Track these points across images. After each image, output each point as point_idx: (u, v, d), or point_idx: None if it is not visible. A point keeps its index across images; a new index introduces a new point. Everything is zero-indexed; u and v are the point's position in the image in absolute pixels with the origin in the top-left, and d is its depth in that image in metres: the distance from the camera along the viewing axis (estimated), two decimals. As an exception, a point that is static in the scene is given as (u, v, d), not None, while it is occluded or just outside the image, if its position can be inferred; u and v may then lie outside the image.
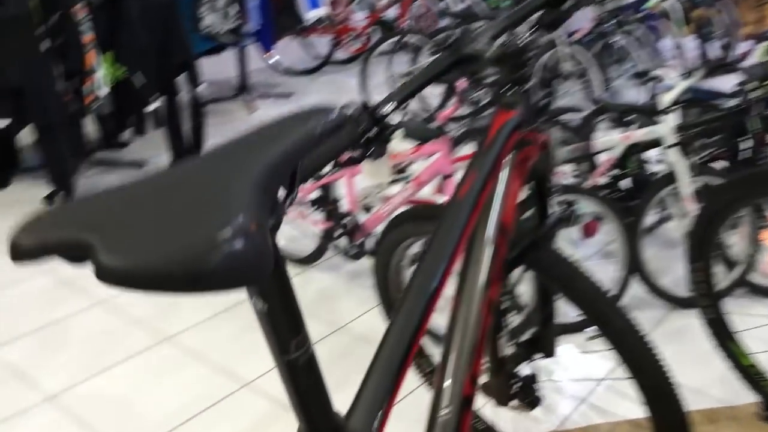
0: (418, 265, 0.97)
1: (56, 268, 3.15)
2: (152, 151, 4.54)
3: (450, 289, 1.10)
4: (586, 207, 2.53)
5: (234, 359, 2.38)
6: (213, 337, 2.57)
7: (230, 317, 2.69)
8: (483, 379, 1.55)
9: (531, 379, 1.51)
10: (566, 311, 1.79)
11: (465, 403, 1.05)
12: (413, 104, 4.94)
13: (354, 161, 2.46)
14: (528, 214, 1.34)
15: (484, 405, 1.83)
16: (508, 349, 1.49)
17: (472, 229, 1.01)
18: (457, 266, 1.08)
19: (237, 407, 2.16)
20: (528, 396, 1.51)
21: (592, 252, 2.91)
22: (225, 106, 5.81)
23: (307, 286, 2.92)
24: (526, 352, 1.55)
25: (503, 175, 1.07)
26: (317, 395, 0.67)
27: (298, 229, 3.04)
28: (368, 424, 0.76)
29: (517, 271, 1.35)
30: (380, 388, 0.81)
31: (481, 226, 1.08)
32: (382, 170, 2.51)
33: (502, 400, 1.53)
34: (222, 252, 0.45)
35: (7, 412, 2.21)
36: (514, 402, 1.54)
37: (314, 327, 2.59)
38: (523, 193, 1.23)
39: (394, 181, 2.69)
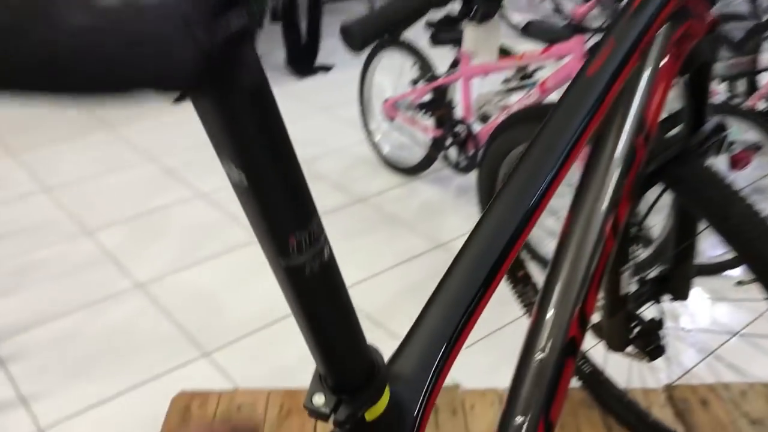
0: (520, 159, 0.74)
1: (161, 156, 3.11)
2: (267, 45, 4.41)
3: (562, 199, 0.85)
4: (741, 133, 2.15)
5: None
6: (307, 241, 2.43)
7: (334, 221, 2.55)
8: (595, 318, 1.31)
9: (655, 324, 1.25)
10: (708, 247, 1.49)
11: (569, 345, 0.82)
12: (545, 2, 4.51)
13: (453, 21, 2.13)
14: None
15: (592, 347, 1.59)
16: (630, 286, 1.23)
17: (601, 121, 0.76)
18: (576, 169, 0.83)
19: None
20: (649, 343, 1.25)
21: (742, 187, 2.51)
22: (342, 6, 5.57)
23: (411, 198, 2.72)
24: (653, 291, 1.29)
25: (653, 52, 0.80)
26: (340, 321, 0.45)
27: (405, 136, 2.82)
28: (423, 367, 0.56)
29: (653, 191, 1.07)
30: (445, 322, 0.60)
31: (615, 118, 0.82)
32: (490, 42, 2.18)
33: (617, 345, 1.28)
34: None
35: (99, 295, 2.19)
36: (631, 348, 1.29)
37: (413, 241, 2.40)
38: (675, 86, 0.94)
39: (517, 88, 2.40)
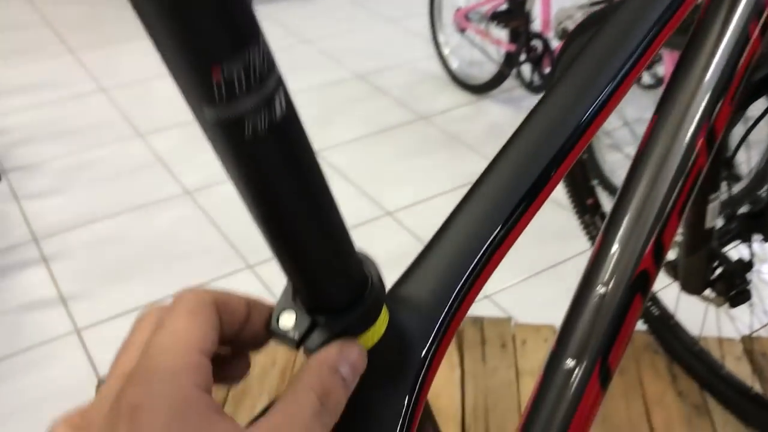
0: (588, 42, 0.57)
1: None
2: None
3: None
4: None
5: (380, 185, 2.11)
6: (362, 158, 2.30)
7: (393, 138, 2.40)
8: (670, 254, 1.15)
9: (742, 266, 1.08)
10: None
11: (640, 279, 0.67)
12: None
13: None
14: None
15: (664, 287, 1.42)
16: (717, 221, 1.06)
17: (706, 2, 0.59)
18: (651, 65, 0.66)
19: (375, 235, 1.91)
20: (732, 287, 1.08)
21: None
22: None
23: (478, 118, 2.54)
24: (742, 229, 1.11)
25: None
26: (310, 214, 0.31)
27: (476, 50, 2.62)
28: (439, 294, 0.42)
29: (758, 104, 0.89)
30: (474, 241, 0.45)
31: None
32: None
33: (694, 287, 1.12)
34: None
35: (146, 199, 2.13)
36: (710, 292, 1.12)
37: (476, 165, 2.24)
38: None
39: (602, 2, 2.15)
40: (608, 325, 0.67)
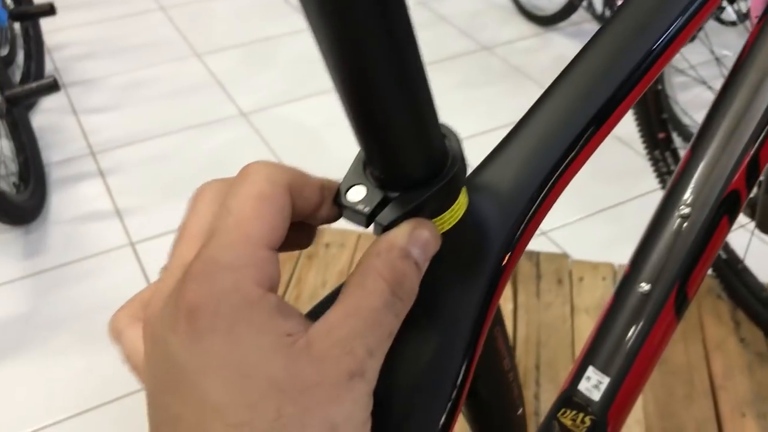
0: None
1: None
2: None
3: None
4: None
5: (439, 115, 2.05)
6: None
7: (455, 68, 2.33)
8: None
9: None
10: None
11: (729, 200, 0.62)
12: None
13: None
14: None
15: (734, 229, 1.35)
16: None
17: None
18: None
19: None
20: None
21: None
22: None
23: (543, 50, 2.43)
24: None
25: None
26: (393, 74, 0.27)
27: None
28: (522, 184, 0.38)
29: None
30: (557, 139, 0.40)
31: None
32: None
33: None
34: None
35: (202, 118, 2.12)
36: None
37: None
38: None
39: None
40: (690, 248, 0.62)
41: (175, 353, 0.24)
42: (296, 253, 1.57)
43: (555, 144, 0.41)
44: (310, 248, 1.58)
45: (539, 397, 1.25)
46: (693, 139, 0.65)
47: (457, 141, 0.34)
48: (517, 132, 0.42)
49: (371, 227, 0.33)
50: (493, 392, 0.46)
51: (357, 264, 0.28)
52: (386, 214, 0.32)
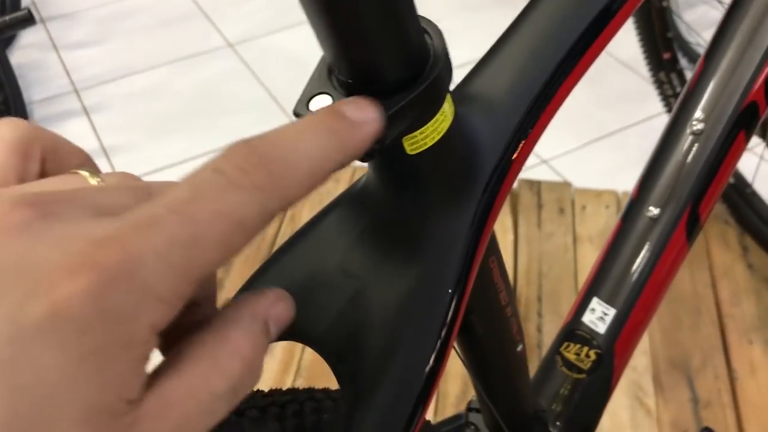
0: None
1: None
2: None
3: None
4: None
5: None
6: (416, 11, 2.14)
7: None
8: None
9: None
10: None
11: (746, 114, 0.56)
12: None
13: None
14: None
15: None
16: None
17: None
18: None
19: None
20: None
21: None
22: None
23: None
24: None
25: None
26: None
27: None
28: (518, 96, 0.32)
29: None
30: (555, 41, 0.35)
31: None
32: None
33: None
34: None
35: (188, 51, 2.04)
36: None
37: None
38: None
39: None
40: (703, 166, 0.57)
41: None
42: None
43: (552, 49, 0.35)
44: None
45: (541, 329, 1.22)
46: (706, 49, 0.60)
47: (440, 37, 0.28)
48: (509, 37, 0.36)
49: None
50: (489, 328, 0.42)
51: (212, 321, 0.22)
52: None
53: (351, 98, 0.25)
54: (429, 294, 0.30)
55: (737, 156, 0.57)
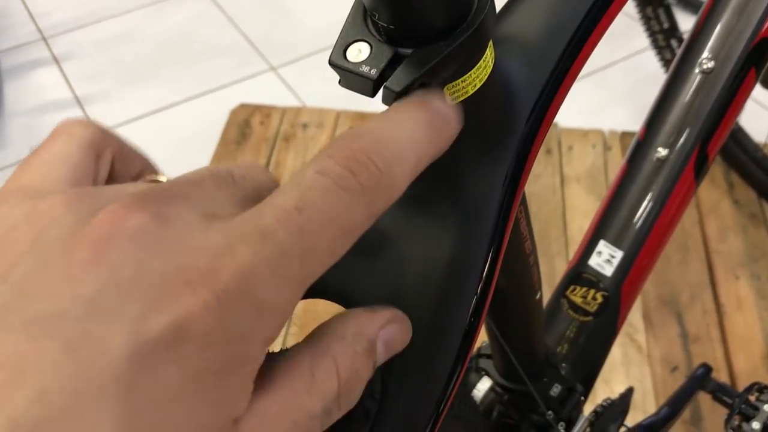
0: None
1: None
2: None
3: None
4: None
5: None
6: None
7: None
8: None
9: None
10: None
11: (756, 52, 0.55)
12: None
13: None
14: None
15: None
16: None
17: None
18: None
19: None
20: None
21: None
22: None
23: None
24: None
25: None
26: None
27: None
28: (552, 39, 0.31)
29: None
30: None
31: None
32: None
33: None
34: None
35: (158, -5, 1.97)
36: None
37: None
38: None
39: None
40: (713, 104, 0.56)
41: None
42: (272, 135, 1.49)
43: None
44: (286, 129, 1.50)
45: (531, 269, 1.22)
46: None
47: None
48: None
49: (379, 95, 0.26)
50: (512, 278, 0.41)
51: (313, 333, 0.21)
52: (399, 77, 0.25)
53: (433, 91, 0.24)
54: (466, 252, 0.29)
55: (747, 93, 0.56)
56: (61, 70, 1.76)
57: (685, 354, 1.11)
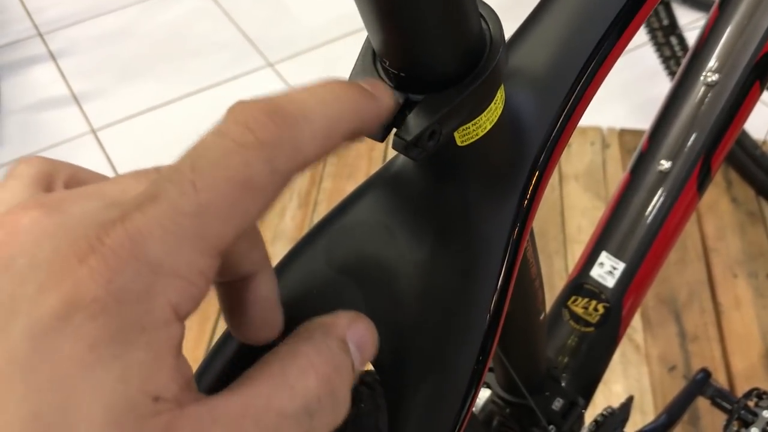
0: None
1: None
2: None
3: None
4: None
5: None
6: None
7: None
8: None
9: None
10: None
11: (761, 65, 0.55)
12: None
13: None
14: None
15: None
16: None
17: None
18: None
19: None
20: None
21: None
22: None
23: None
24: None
25: None
26: None
27: None
28: (563, 69, 0.30)
29: None
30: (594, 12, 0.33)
31: None
32: None
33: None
34: None
35: (154, -10, 1.95)
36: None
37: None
38: None
39: None
40: (717, 117, 0.56)
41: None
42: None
43: (596, 19, 0.33)
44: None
45: (531, 269, 1.23)
46: (720, -5, 0.58)
47: (497, 23, 0.26)
48: (547, 6, 0.34)
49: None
50: (517, 302, 0.41)
51: (288, 337, 0.20)
52: (411, 125, 0.25)
53: (365, 78, 0.24)
54: (476, 289, 0.29)
55: (751, 106, 0.56)
56: (58, 67, 1.75)
57: (683, 353, 1.11)
